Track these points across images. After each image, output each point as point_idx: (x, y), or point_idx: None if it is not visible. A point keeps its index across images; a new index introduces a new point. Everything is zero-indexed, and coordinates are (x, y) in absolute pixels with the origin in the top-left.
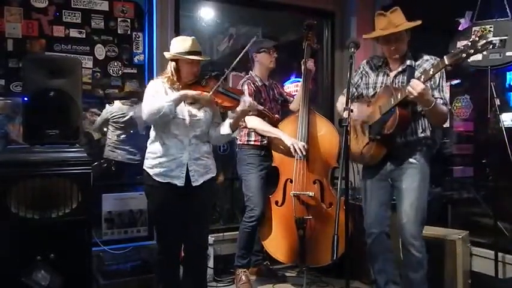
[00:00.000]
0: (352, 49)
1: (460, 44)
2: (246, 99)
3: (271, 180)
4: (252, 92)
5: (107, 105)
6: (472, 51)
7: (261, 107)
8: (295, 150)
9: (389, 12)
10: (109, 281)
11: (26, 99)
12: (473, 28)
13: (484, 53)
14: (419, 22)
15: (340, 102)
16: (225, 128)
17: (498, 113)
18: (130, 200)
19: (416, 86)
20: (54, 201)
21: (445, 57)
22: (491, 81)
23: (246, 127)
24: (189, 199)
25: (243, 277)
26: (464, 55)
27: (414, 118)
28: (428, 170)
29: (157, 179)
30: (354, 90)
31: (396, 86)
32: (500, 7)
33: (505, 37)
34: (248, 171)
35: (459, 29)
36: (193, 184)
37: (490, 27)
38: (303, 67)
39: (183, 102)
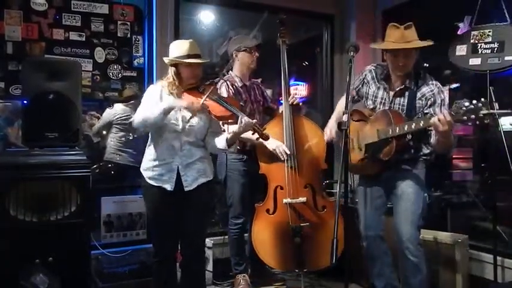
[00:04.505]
0: (352, 53)
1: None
2: (244, 120)
3: (256, 186)
4: (231, 94)
5: (108, 108)
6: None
7: (253, 121)
8: (279, 153)
9: (403, 26)
10: (107, 284)
11: (25, 102)
12: (472, 32)
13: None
14: (430, 43)
15: (340, 104)
16: (220, 142)
17: (497, 117)
18: (129, 203)
19: (444, 124)
20: (53, 204)
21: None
22: (490, 85)
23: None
24: (183, 203)
25: (242, 281)
26: (465, 118)
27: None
28: (424, 175)
29: (150, 182)
30: (354, 93)
31: (395, 108)
32: (499, 12)
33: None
34: (230, 177)
35: (458, 33)
36: (186, 189)
37: (489, 31)
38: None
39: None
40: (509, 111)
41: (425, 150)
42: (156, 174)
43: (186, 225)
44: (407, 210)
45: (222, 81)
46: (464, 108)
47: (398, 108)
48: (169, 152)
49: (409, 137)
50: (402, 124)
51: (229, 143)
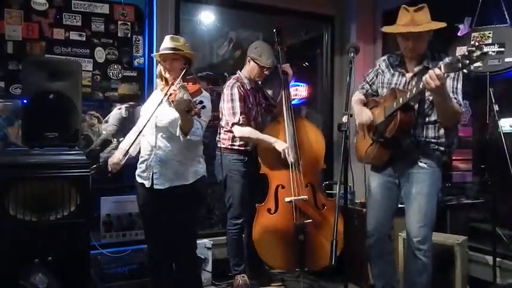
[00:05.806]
0: (352, 54)
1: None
2: (178, 95)
3: (256, 186)
4: (242, 97)
5: (117, 108)
6: (467, 61)
7: (189, 98)
8: (286, 155)
9: (413, 9)
10: (107, 284)
11: (25, 101)
12: (473, 34)
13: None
14: (443, 24)
15: (354, 99)
16: (178, 129)
17: (497, 118)
18: (128, 203)
19: (434, 79)
20: (52, 204)
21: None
22: (490, 87)
23: (229, 131)
24: (161, 204)
25: (241, 282)
26: (460, 65)
27: (427, 121)
28: (440, 176)
29: (136, 178)
30: (368, 87)
31: (404, 88)
32: (499, 13)
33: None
34: (231, 178)
35: (458, 34)
36: (156, 187)
37: (489, 33)
38: (280, 74)
39: (154, 103)
40: (501, 49)
41: (441, 138)
42: (140, 171)
43: (166, 227)
44: (421, 211)
45: (234, 81)
46: (458, 58)
47: (404, 89)
48: (147, 148)
49: (415, 114)
50: (404, 94)
51: (183, 129)
